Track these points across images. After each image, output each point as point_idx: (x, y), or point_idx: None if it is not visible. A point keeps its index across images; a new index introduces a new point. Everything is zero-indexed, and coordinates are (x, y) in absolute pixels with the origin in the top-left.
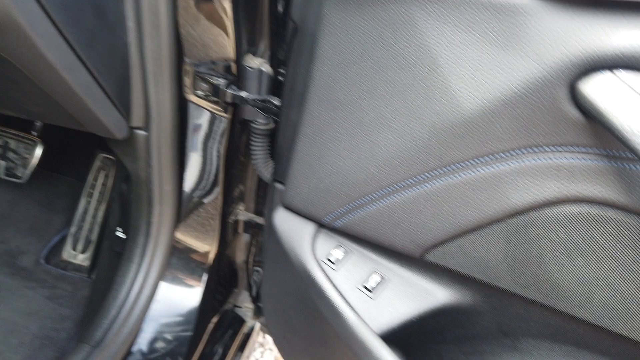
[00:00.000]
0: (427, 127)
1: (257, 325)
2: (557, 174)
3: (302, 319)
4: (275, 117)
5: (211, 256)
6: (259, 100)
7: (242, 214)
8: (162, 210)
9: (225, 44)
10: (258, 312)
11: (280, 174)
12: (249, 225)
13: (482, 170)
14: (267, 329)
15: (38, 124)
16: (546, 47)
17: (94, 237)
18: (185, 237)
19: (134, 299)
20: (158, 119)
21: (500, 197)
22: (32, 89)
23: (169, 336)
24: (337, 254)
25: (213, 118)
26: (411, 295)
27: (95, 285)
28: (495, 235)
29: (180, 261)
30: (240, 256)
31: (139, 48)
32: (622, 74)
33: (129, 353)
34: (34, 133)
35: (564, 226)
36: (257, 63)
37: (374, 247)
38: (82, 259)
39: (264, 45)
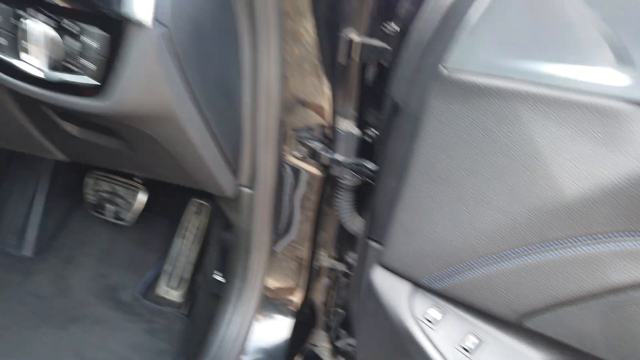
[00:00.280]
0: (528, 207)
1: None
2: None
3: None
4: (368, 180)
5: (298, 300)
6: (354, 164)
7: (325, 260)
8: (258, 258)
9: (323, 113)
10: (335, 352)
11: (376, 234)
12: (330, 270)
13: (582, 249)
14: None
15: None
16: None
17: (187, 275)
18: (276, 282)
19: (232, 338)
20: (263, 179)
21: (599, 276)
22: (167, 158)
23: None
24: (435, 313)
25: (307, 176)
26: (508, 358)
27: (192, 322)
28: (593, 309)
29: (271, 304)
30: (319, 298)
31: (252, 119)
32: None
33: None
34: (138, 180)
35: None
36: (347, 126)
37: (470, 309)
38: (175, 295)
39: (352, 109)
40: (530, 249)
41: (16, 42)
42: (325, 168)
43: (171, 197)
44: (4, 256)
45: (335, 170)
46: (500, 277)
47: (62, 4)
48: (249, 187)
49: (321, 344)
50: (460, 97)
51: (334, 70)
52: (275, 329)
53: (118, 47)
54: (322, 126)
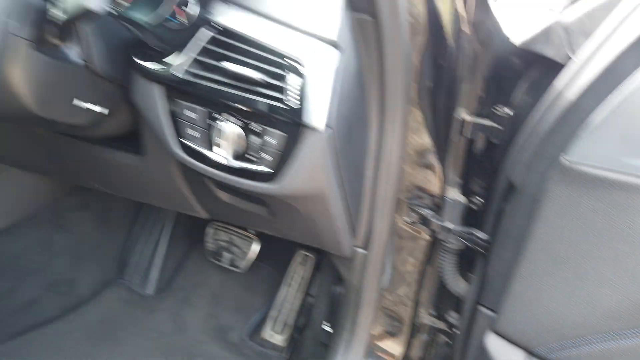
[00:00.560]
0: None
1: None
2: None
3: None
4: (478, 248)
5: (399, 355)
6: (465, 232)
7: (426, 317)
8: (367, 312)
9: (433, 183)
10: None
11: (488, 301)
12: (429, 327)
13: None
14: None
15: None
16: None
17: (290, 321)
18: (380, 336)
19: None
20: (377, 242)
21: None
22: (302, 224)
23: None
24: None
25: (414, 239)
26: None
27: None
28: None
29: (374, 357)
30: (417, 354)
31: (372, 189)
32: None
33: None
34: (252, 232)
35: None
36: (455, 194)
37: None
38: (279, 339)
39: (459, 178)
40: None
41: (209, 136)
42: (432, 232)
43: (279, 248)
44: (130, 293)
45: (442, 235)
46: (617, 353)
47: (251, 111)
48: (364, 248)
49: None
50: (581, 186)
51: (446, 146)
52: None
53: (293, 145)
54: (432, 195)
